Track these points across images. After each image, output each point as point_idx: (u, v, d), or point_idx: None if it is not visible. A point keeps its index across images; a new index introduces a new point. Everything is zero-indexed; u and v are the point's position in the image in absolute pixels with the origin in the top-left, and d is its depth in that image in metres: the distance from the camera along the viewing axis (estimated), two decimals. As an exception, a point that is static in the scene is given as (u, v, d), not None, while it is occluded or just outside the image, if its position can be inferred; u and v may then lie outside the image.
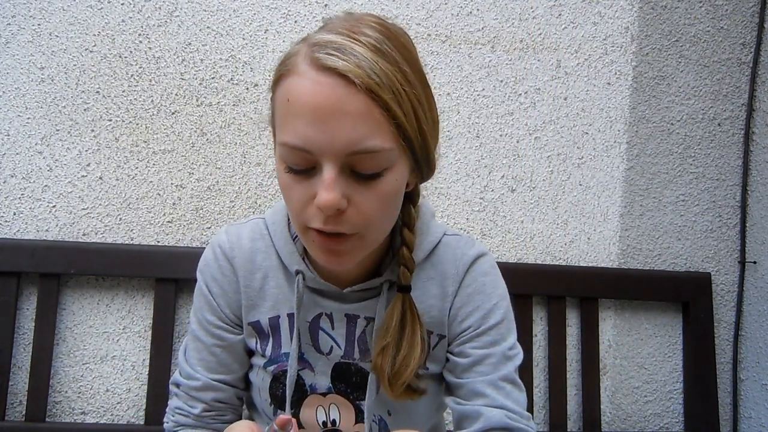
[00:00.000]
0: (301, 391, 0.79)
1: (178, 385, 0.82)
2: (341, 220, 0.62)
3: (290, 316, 0.77)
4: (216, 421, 0.82)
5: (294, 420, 0.65)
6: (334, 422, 0.79)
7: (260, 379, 0.81)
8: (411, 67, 0.64)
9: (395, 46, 0.63)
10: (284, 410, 0.78)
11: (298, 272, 0.75)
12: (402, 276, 0.73)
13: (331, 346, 0.78)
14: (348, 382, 0.78)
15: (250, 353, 0.83)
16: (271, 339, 0.79)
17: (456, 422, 0.77)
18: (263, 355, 0.80)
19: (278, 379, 0.79)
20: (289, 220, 0.78)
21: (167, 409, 0.83)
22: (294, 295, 0.75)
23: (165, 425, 0.83)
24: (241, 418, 0.88)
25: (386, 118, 0.60)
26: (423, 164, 0.69)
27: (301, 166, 0.62)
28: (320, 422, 0.79)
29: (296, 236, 0.77)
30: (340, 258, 0.66)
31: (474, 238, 0.82)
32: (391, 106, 0.60)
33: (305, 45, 0.63)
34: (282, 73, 0.64)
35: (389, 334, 0.71)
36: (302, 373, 0.79)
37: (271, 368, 0.79)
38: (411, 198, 0.75)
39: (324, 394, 0.79)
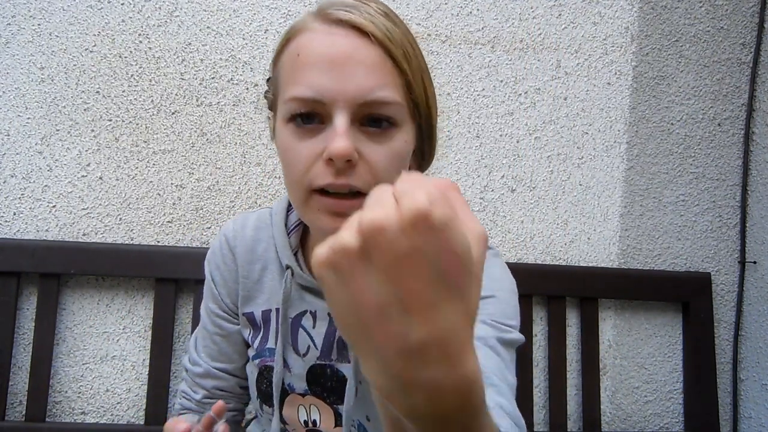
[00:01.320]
0: (283, 389, 0.79)
1: (186, 370, 0.85)
2: (352, 175, 0.60)
3: (277, 311, 0.77)
4: None
5: (227, 408, 0.67)
6: (315, 422, 0.79)
7: (250, 372, 0.82)
8: (416, 44, 0.66)
9: (401, 21, 0.66)
10: (270, 406, 0.78)
11: (287, 267, 0.75)
12: None
13: (308, 347, 0.76)
14: (324, 386, 0.77)
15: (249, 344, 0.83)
16: (261, 332, 0.79)
17: None
18: (252, 347, 0.80)
19: (262, 374, 0.79)
20: (288, 211, 0.78)
21: (177, 392, 0.87)
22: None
23: (172, 408, 0.85)
24: (245, 407, 0.90)
25: (398, 72, 0.61)
26: (426, 141, 0.69)
27: (309, 120, 0.61)
28: (302, 421, 0.79)
29: (291, 230, 0.77)
30: (342, 219, 0.61)
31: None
32: (401, 62, 0.62)
33: (312, 12, 0.64)
34: (288, 37, 0.64)
35: None
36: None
37: (257, 362, 0.79)
38: None
39: (302, 395, 0.78)
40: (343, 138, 0.58)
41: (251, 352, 0.80)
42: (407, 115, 0.64)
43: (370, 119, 0.61)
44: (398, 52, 0.61)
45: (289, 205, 0.79)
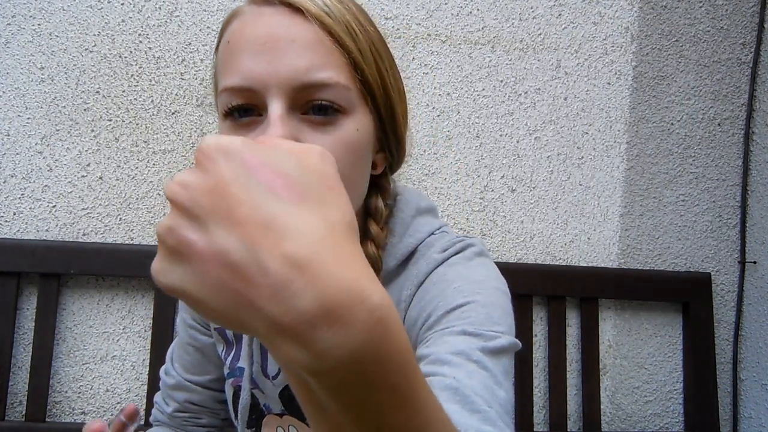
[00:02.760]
0: (258, 410, 0.74)
1: (159, 379, 0.81)
2: None
3: None
4: (189, 423, 0.79)
5: (140, 412, 0.61)
6: None
7: (227, 390, 0.76)
8: (370, 25, 0.59)
9: (353, 3, 0.59)
10: (251, 428, 0.74)
11: None
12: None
13: (279, 370, 0.70)
14: (299, 408, 0.72)
15: None
16: (234, 349, 0.74)
17: None
18: (226, 366, 0.76)
19: (236, 394, 0.74)
20: None
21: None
22: None
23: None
24: (224, 423, 0.83)
25: (339, 50, 0.54)
26: (389, 133, 0.61)
27: (244, 112, 0.54)
28: None
29: None
30: None
31: (464, 238, 0.66)
32: (343, 38, 0.54)
33: None
34: (223, 27, 0.58)
35: None
36: (255, 392, 0.73)
37: (230, 381, 0.75)
38: (378, 186, 0.65)
39: (280, 415, 0.73)
40: (277, 127, 0.51)
41: (225, 370, 0.76)
42: (357, 100, 0.56)
43: (314, 107, 0.54)
44: (339, 27, 0.54)
45: None
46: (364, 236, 0.63)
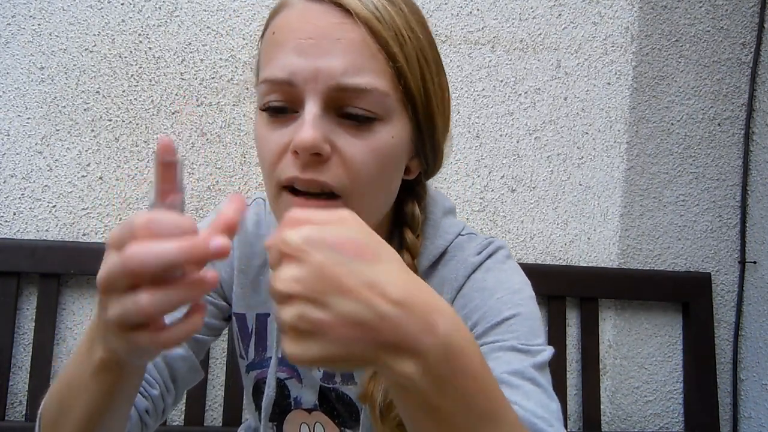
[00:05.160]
0: (285, 404, 0.71)
1: None
2: (322, 171, 0.53)
3: None
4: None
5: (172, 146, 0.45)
6: None
7: (247, 385, 0.74)
8: (421, 28, 0.58)
9: (406, 3, 0.57)
10: (273, 422, 0.71)
11: None
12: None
13: None
14: (331, 413, 0.70)
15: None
16: (253, 339, 0.71)
17: None
18: (242, 357, 0.73)
19: (259, 387, 0.71)
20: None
21: None
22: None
23: None
24: (168, 405, 0.70)
25: (384, 57, 0.53)
26: (427, 140, 0.60)
27: (280, 105, 0.54)
28: None
29: None
30: None
31: (492, 239, 0.68)
32: (390, 45, 0.53)
33: None
34: (270, 15, 0.58)
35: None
36: (288, 382, 0.70)
37: (254, 373, 0.72)
38: (414, 193, 0.65)
39: (309, 411, 0.71)
40: (310, 127, 0.51)
41: (243, 364, 0.73)
42: (396, 107, 0.55)
43: (348, 113, 0.54)
44: (387, 33, 0.53)
45: None
46: (400, 246, 0.63)
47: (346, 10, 0.52)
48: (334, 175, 0.53)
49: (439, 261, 0.66)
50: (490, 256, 0.65)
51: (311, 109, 0.52)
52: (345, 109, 0.53)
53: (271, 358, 0.70)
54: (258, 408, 0.72)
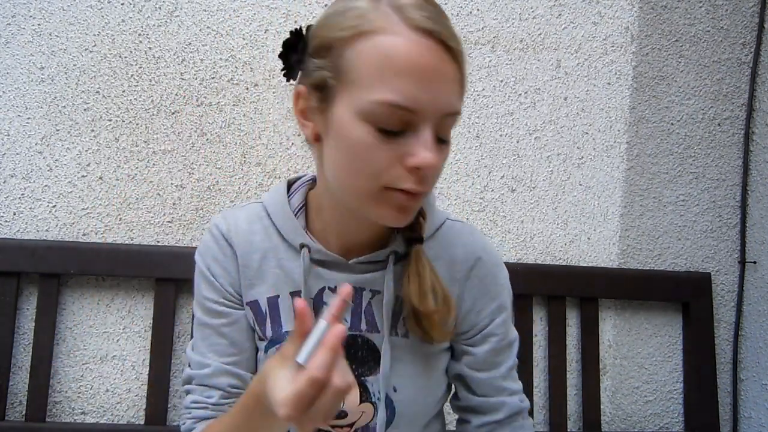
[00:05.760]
0: None
1: (190, 380, 0.80)
2: (427, 180, 0.66)
3: (293, 294, 0.77)
4: None
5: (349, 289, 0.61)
6: None
7: (262, 365, 0.79)
8: None
9: None
10: None
11: (303, 246, 0.76)
12: (419, 228, 0.76)
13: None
14: (354, 357, 0.77)
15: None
16: (268, 319, 0.78)
17: (473, 410, 0.81)
18: (262, 338, 0.79)
19: None
20: (288, 197, 0.79)
21: (182, 411, 0.80)
22: (297, 272, 0.76)
23: (182, 426, 0.79)
24: None
25: (463, 86, 0.66)
26: None
27: (396, 126, 0.62)
28: None
29: (297, 211, 0.78)
30: (408, 215, 0.68)
31: (463, 221, 0.84)
32: (465, 73, 0.66)
33: (385, 8, 0.63)
34: (361, 31, 0.63)
35: (426, 279, 0.73)
36: None
37: (272, 350, 0.78)
38: None
39: None
40: (432, 151, 0.62)
41: (262, 345, 0.79)
42: None
43: (443, 135, 0.66)
44: (465, 63, 0.65)
45: (289, 191, 0.81)
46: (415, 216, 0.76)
47: (448, 47, 0.62)
48: (431, 183, 0.67)
49: (436, 234, 0.81)
50: (480, 242, 0.83)
51: (429, 134, 0.63)
52: (440, 134, 0.65)
53: (287, 332, 0.77)
54: None
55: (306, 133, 0.71)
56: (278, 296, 0.78)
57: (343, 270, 0.77)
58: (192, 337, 0.83)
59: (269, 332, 0.78)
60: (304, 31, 0.71)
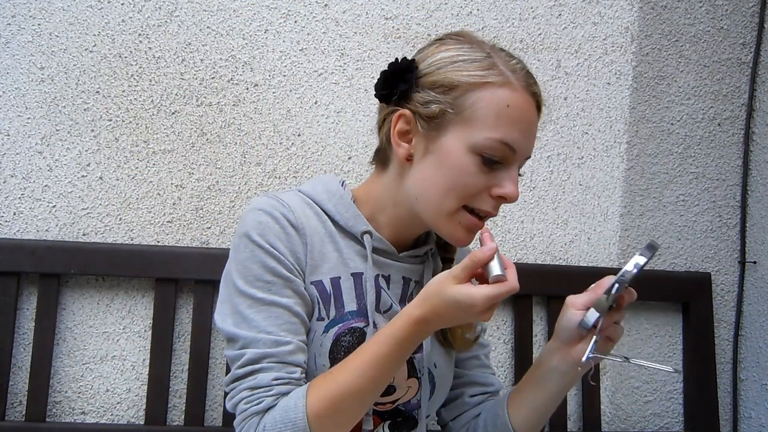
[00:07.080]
0: None
1: (259, 359, 0.76)
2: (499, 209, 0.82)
3: (354, 275, 0.84)
4: None
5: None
6: None
7: (318, 345, 0.81)
8: None
9: None
10: None
11: (366, 232, 0.84)
12: (452, 251, 0.94)
13: (390, 304, 0.86)
14: None
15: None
16: (332, 300, 0.83)
17: (465, 384, 0.98)
18: (322, 318, 0.82)
19: (339, 342, 0.81)
20: (341, 188, 0.88)
21: (248, 395, 0.76)
22: (356, 256, 0.85)
23: (255, 407, 0.75)
24: None
25: None
26: None
27: (498, 159, 0.78)
28: None
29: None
30: (472, 237, 0.82)
31: None
32: None
33: (499, 59, 0.81)
34: (488, 81, 0.78)
35: None
36: (366, 330, 0.83)
37: (334, 329, 0.82)
38: None
39: None
40: (517, 187, 0.80)
41: (319, 325, 0.81)
42: None
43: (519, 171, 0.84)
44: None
45: (342, 182, 0.89)
46: None
47: (539, 107, 0.82)
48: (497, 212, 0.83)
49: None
50: None
51: (516, 172, 0.80)
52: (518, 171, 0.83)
53: (350, 311, 0.83)
54: (335, 363, 0.80)
55: (400, 153, 0.81)
56: (340, 277, 0.84)
57: (394, 260, 0.87)
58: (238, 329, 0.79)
59: (333, 312, 0.83)
60: (414, 63, 0.82)
